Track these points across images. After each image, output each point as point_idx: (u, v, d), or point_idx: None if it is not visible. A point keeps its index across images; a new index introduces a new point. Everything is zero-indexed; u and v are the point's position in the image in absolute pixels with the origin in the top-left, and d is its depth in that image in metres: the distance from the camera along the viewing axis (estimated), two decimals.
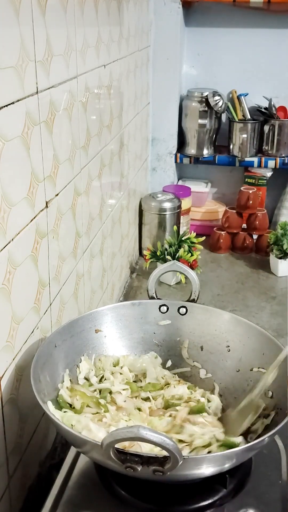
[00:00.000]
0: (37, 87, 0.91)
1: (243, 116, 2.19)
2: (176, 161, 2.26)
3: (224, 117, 2.25)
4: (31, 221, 0.93)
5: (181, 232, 1.99)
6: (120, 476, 0.85)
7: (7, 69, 0.80)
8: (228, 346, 1.06)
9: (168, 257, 1.83)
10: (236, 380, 1.00)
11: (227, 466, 0.81)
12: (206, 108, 2.14)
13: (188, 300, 1.10)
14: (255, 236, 2.18)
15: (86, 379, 1.02)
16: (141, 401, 1.00)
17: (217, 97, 2.12)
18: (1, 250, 0.83)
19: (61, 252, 1.11)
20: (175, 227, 1.99)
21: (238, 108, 2.19)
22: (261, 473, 0.92)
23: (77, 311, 1.26)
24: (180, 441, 0.88)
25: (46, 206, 1.00)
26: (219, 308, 1.11)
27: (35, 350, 0.93)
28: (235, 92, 2.21)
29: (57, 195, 1.06)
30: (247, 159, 2.21)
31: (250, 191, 2.14)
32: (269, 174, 2.24)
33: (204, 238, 1.91)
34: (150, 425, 0.92)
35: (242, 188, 2.18)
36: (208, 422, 0.91)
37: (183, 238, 1.87)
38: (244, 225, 2.20)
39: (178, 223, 2.05)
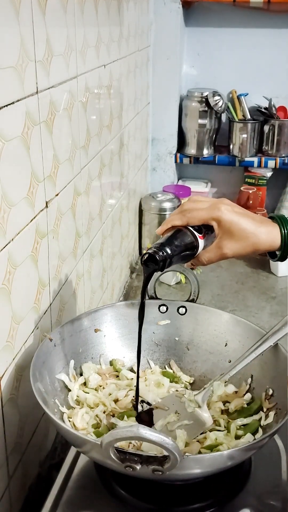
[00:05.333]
0: (37, 87, 0.92)
1: (243, 116, 2.19)
2: (176, 161, 2.26)
3: (224, 117, 2.25)
4: (31, 221, 0.93)
5: None
6: (120, 476, 0.85)
7: (7, 69, 0.80)
8: (227, 346, 1.06)
9: None
10: (235, 380, 1.00)
11: (226, 465, 0.81)
12: (206, 108, 2.14)
13: (188, 300, 1.10)
14: None
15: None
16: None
17: (217, 97, 2.12)
18: (1, 250, 0.83)
19: (61, 252, 1.11)
20: None
21: (238, 108, 2.19)
22: (261, 473, 0.92)
23: (77, 311, 1.26)
24: None
25: (46, 206, 1.00)
26: (219, 308, 1.11)
27: (35, 350, 0.93)
28: (235, 92, 2.21)
29: (57, 195, 1.06)
30: (247, 159, 2.21)
31: (250, 191, 2.14)
32: (269, 174, 2.24)
33: None
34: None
35: (242, 188, 2.18)
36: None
37: None
38: None
39: None
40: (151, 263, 0.87)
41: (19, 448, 0.97)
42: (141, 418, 0.96)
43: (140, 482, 0.84)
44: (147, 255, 0.86)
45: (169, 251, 0.86)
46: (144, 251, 0.88)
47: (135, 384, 1.02)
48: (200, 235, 0.90)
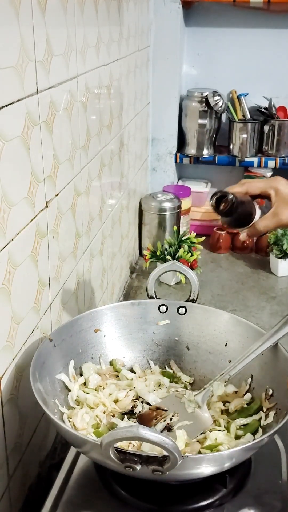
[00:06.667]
0: (37, 87, 0.92)
1: (243, 116, 2.19)
2: (176, 161, 2.26)
3: (224, 117, 2.25)
4: (31, 221, 0.93)
5: (181, 232, 1.99)
6: (120, 476, 0.85)
7: (7, 69, 0.80)
8: (227, 346, 1.06)
9: (168, 257, 1.83)
10: (235, 380, 1.00)
11: (226, 465, 0.81)
12: (206, 108, 2.14)
13: (188, 300, 1.10)
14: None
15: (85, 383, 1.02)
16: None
17: (217, 97, 2.12)
18: (1, 250, 0.83)
19: (61, 252, 1.11)
20: (175, 227, 1.99)
21: (238, 108, 2.19)
22: (261, 472, 0.92)
23: (77, 311, 1.26)
24: None
25: (46, 206, 1.00)
26: (219, 308, 1.12)
27: (35, 350, 0.93)
28: (235, 92, 2.21)
29: (57, 195, 1.06)
30: (247, 159, 2.21)
31: None
32: (269, 174, 2.24)
33: (204, 238, 1.91)
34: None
35: None
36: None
37: (183, 238, 1.87)
38: None
39: (178, 223, 2.05)
40: (218, 206, 0.94)
41: (19, 448, 0.97)
42: (141, 418, 0.96)
43: (140, 482, 0.84)
44: (217, 196, 0.93)
45: (236, 199, 0.93)
46: (213, 194, 0.97)
47: (135, 384, 1.02)
48: (257, 205, 0.97)
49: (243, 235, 0.99)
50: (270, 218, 0.95)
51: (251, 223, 0.96)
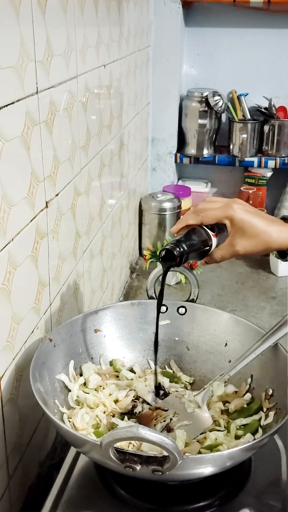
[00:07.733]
0: (37, 87, 0.92)
1: (243, 116, 2.19)
2: (176, 161, 2.26)
3: (224, 117, 2.25)
4: (31, 221, 0.93)
5: None
6: (120, 476, 0.85)
7: (7, 69, 0.80)
8: (227, 346, 1.06)
9: None
10: (235, 380, 1.00)
11: (226, 465, 0.81)
12: (206, 108, 2.14)
13: (188, 300, 1.10)
14: None
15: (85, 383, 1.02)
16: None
17: (217, 97, 2.12)
18: (1, 250, 0.83)
19: (61, 252, 1.11)
20: None
21: (238, 108, 2.19)
22: (261, 473, 0.92)
23: (77, 311, 1.26)
24: None
25: (46, 206, 1.00)
26: (219, 308, 1.11)
27: (35, 350, 0.93)
28: (235, 92, 2.21)
29: (57, 195, 1.06)
30: (247, 159, 2.21)
31: (250, 191, 2.14)
32: (269, 174, 2.24)
33: None
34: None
35: (242, 188, 2.18)
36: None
37: None
38: None
39: None
40: (168, 260, 0.90)
41: (19, 448, 0.97)
42: (141, 418, 0.96)
43: (140, 482, 0.84)
44: (164, 251, 0.90)
45: (185, 248, 0.90)
46: (161, 248, 0.93)
47: (135, 384, 1.02)
48: (213, 234, 0.93)
49: (200, 262, 0.97)
50: (226, 248, 0.92)
51: (209, 253, 0.94)
